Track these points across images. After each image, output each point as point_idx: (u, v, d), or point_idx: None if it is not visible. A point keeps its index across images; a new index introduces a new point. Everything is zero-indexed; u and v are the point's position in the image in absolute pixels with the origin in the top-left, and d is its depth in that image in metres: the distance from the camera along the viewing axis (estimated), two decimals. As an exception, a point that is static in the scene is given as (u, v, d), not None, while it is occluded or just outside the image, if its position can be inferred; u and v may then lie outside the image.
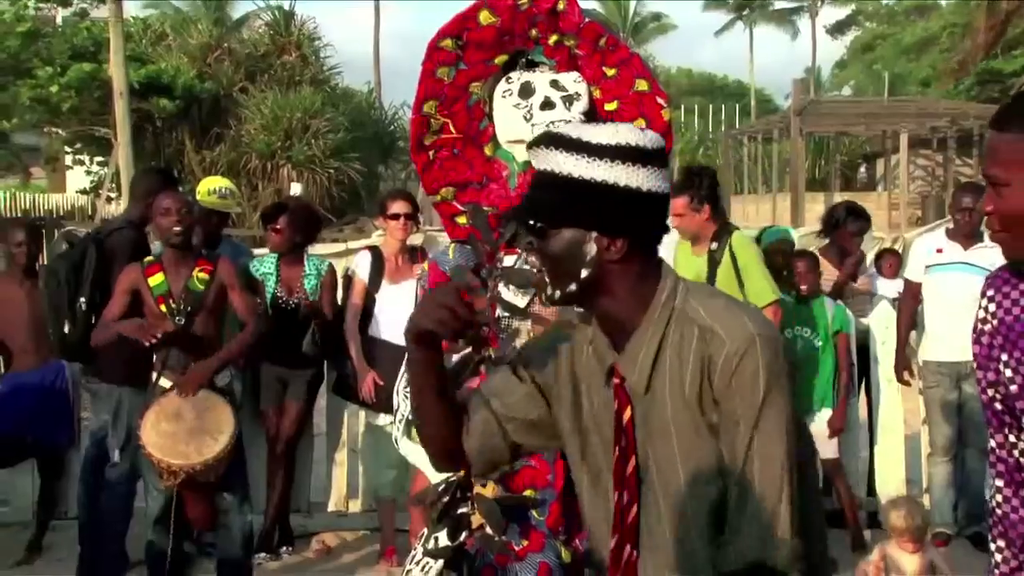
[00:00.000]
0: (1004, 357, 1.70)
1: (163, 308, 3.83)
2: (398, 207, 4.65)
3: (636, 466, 1.61)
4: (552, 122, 2.43)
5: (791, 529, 1.50)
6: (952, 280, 4.73)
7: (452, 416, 1.66)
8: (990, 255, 4.35)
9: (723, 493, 1.56)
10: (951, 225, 4.88)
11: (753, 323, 1.57)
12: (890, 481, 5.17)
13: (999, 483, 1.78)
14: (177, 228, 3.74)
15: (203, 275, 4.02)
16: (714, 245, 4.44)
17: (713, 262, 4.44)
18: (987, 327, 1.77)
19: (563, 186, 1.58)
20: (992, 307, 1.78)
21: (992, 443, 1.78)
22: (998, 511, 1.79)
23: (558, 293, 1.62)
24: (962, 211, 4.70)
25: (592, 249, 1.59)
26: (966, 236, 4.70)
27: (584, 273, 1.59)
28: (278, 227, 4.76)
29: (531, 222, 1.60)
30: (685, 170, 4.96)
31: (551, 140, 1.63)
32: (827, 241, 5.49)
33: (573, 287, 1.60)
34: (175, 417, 3.37)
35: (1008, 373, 1.69)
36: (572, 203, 1.59)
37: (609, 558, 1.62)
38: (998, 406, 1.75)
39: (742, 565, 1.51)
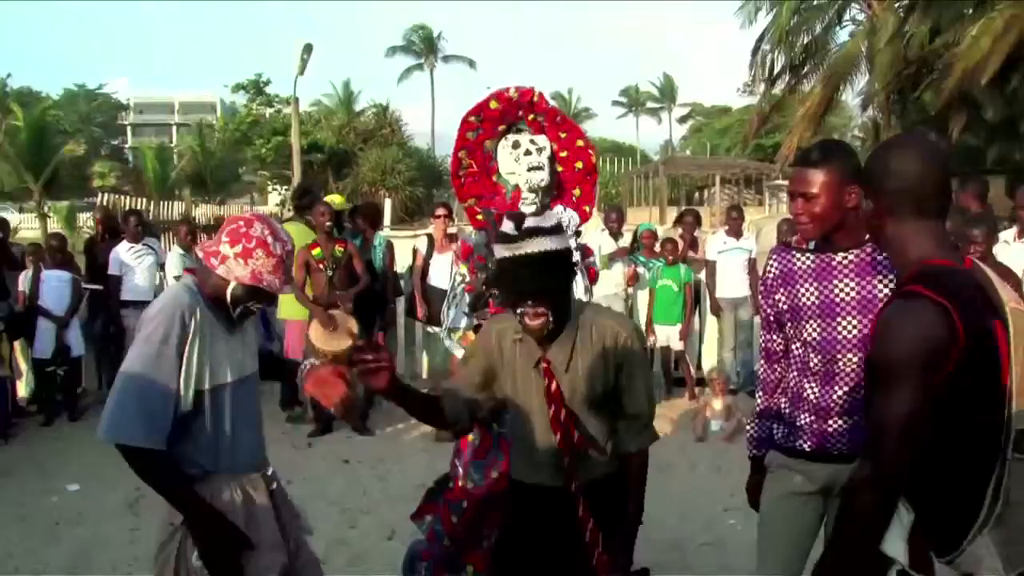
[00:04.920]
0: (781, 291, 2.42)
1: (321, 267, 5.69)
2: (439, 212, 6.96)
3: (566, 413, 2.31)
4: (530, 165, 3.32)
5: (651, 417, 2.45)
6: (731, 256, 7.25)
7: (436, 412, 2.36)
8: (746, 243, 7.41)
9: (612, 404, 2.37)
10: (727, 227, 7.58)
11: (629, 323, 2.50)
12: (708, 361, 7.77)
13: (762, 361, 2.60)
14: (328, 223, 5.64)
15: (340, 248, 5.96)
16: None
17: None
18: (770, 275, 2.48)
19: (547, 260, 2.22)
20: (774, 264, 2.48)
21: (762, 338, 2.59)
22: (760, 375, 2.61)
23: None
24: (732, 220, 7.57)
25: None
26: (736, 233, 7.44)
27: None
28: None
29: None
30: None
31: (533, 231, 2.23)
32: (679, 230, 7.81)
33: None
34: (326, 324, 4.23)
35: (781, 299, 2.43)
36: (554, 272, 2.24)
37: (559, 445, 2.31)
38: (771, 318, 2.50)
39: (635, 450, 2.39)
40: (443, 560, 3.05)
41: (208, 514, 2.32)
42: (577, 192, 3.57)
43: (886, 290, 2.25)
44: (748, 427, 2.68)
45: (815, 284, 2.35)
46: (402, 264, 7.45)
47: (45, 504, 5.12)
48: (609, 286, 6.91)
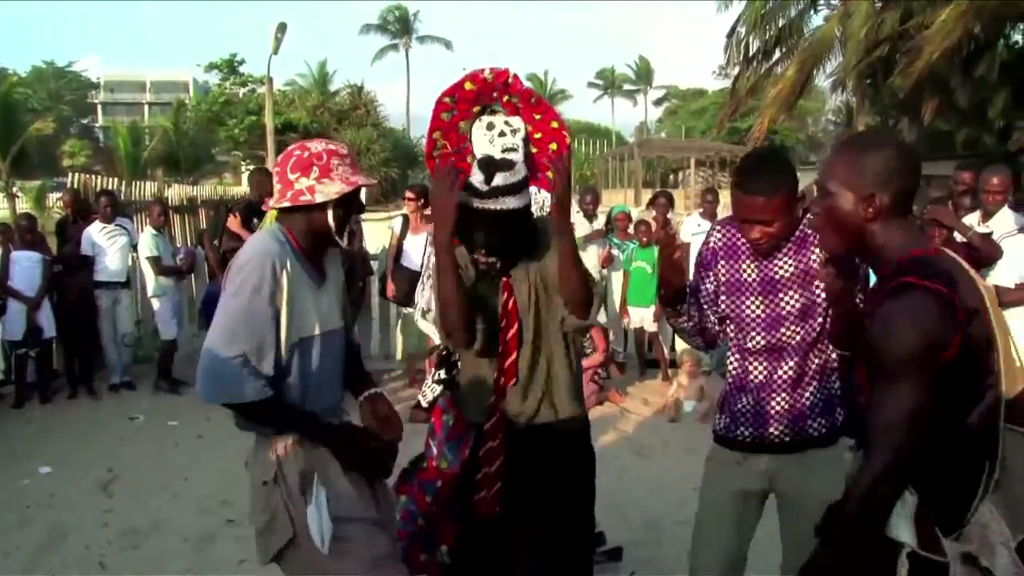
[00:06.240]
0: (723, 263, 2.50)
1: None
2: (409, 194, 6.95)
3: (519, 329, 2.52)
4: (504, 147, 3.28)
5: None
6: (702, 238, 6.83)
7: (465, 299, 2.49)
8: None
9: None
10: (702, 209, 7.73)
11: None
12: (681, 342, 7.24)
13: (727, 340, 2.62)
14: None
15: None
16: None
17: None
18: (713, 245, 2.56)
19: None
20: (718, 235, 2.56)
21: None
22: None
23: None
24: (707, 203, 7.66)
25: None
26: (710, 216, 7.44)
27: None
28: None
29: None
30: None
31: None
32: (653, 212, 7.84)
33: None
34: None
35: (722, 271, 2.50)
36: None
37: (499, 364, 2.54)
38: (699, 287, 2.56)
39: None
40: (417, 539, 3.08)
41: (347, 429, 2.36)
42: (551, 174, 3.56)
43: (818, 262, 2.33)
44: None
45: (756, 262, 2.44)
46: (377, 245, 7.42)
47: (16, 487, 5.08)
48: (584, 267, 6.86)
